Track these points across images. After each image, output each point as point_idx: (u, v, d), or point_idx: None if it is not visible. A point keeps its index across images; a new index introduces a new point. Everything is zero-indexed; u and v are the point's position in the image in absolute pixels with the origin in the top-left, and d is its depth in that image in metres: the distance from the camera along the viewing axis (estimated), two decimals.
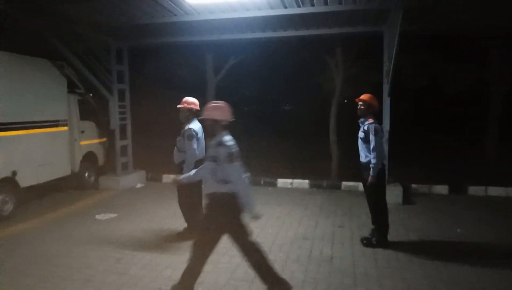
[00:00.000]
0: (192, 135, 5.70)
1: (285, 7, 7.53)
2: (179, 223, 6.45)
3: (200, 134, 5.88)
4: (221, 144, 3.80)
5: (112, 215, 7.51)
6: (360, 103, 5.67)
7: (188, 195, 5.87)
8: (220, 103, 4.03)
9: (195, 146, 5.70)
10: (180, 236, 6.07)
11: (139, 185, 10.17)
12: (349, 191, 9.48)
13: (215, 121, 3.90)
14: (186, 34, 9.60)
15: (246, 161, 4.30)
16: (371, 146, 5.42)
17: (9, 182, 7.32)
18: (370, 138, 5.43)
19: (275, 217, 7.32)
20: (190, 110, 5.90)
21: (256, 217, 3.88)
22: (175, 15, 8.02)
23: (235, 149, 3.81)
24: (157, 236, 6.33)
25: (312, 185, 9.84)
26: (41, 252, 5.56)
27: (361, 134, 5.62)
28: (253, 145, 14.35)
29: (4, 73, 7.24)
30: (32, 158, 7.83)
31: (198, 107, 5.93)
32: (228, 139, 3.86)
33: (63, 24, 8.16)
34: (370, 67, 11.08)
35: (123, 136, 10.15)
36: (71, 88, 9.33)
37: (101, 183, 9.65)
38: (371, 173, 5.43)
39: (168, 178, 10.66)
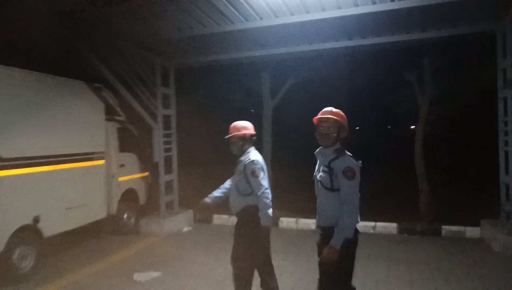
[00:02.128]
0: (258, 169, 4.06)
1: (374, 2, 5.79)
2: None
3: (265, 166, 4.22)
4: (250, 160, 4.05)
5: (155, 274, 5.84)
6: (322, 122, 3.48)
7: (251, 253, 4.11)
8: (242, 121, 4.28)
9: (265, 183, 4.06)
10: None
11: (186, 229, 8.52)
12: (453, 238, 7.33)
13: (244, 138, 4.18)
14: (241, 49, 8.09)
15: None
16: (341, 195, 3.28)
17: (30, 231, 5.87)
18: (341, 182, 3.29)
19: (376, 280, 5.33)
20: (244, 138, 4.25)
21: (267, 229, 3.98)
22: (232, 22, 6.55)
23: (262, 164, 4.09)
24: None
25: (402, 230, 7.74)
26: None
27: (321, 174, 3.46)
28: None
29: (29, 96, 5.93)
30: (60, 199, 6.38)
31: (253, 131, 4.32)
32: (256, 154, 4.17)
33: (102, 37, 6.87)
34: (462, 80, 9.06)
35: (168, 169, 8.62)
36: (110, 114, 7.98)
37: (142, 227, 8.07)
38: (332, 241, 3.23)
39: (220, 218, 8.96)
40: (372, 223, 7.92)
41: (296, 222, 8.45)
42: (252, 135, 4.29)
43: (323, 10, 6.08)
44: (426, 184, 8.74)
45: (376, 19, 6.31)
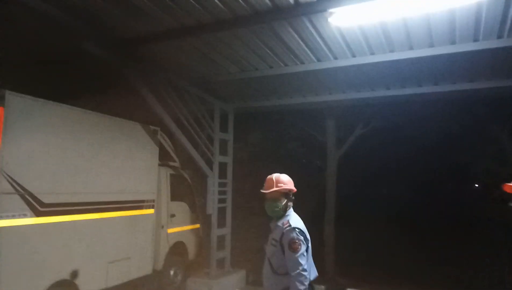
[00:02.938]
0: (298, 241, 3.10)
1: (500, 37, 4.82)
2: None
3: (308, 235, 3.25)
4: (289, 227, 3.14)
5: None
6: None
7: None
8: (284, 174, 3.42)
9: (304, 261, 3.08)
10: None
11: None
12: None
13: (288, 196, 3.32)
14: (308, 93, 7.37)
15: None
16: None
17: (66, 287, 5.18)
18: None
19: None
20: (287, 194, 3.34)
21: None
22: (302, 63, 5.89)
23: (305, 234, 3.18)
24: None
25: None
26: None
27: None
28: (396, 241, 10.95)
29: (79, 136, 5.49)
30: (102, 252, 5.72)
31: (294, 188, 3.42)
32: (297, 219, 3.28)
33: (159, 73, 6.45)
34: None
35: (221, 223, 7.79)
36: (164, 159, 7.43)
37: (188, 288, 7.15)
38: None
39: None
40: None
41: None
42: (293, 193, 3.39)
43: (411, 48, 5.24)
44: None
45: (482, 59, 5.35)
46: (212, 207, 7.46)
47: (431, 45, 5.11)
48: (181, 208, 7.67)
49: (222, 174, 7.97)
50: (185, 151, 7.31)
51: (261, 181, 3.50)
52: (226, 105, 8.09)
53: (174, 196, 7.46)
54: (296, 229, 3.14)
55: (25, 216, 4.64)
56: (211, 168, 7.59)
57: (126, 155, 6.31)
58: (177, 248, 7.45)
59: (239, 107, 8.23)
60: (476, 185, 20.20)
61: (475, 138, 9.98)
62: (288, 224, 3.17)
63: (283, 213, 3.29)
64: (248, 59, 5.86)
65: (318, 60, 5.77)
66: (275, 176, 3.40)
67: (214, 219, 7.50)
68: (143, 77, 6.37)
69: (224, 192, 7.93)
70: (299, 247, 3.06)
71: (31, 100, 4.89)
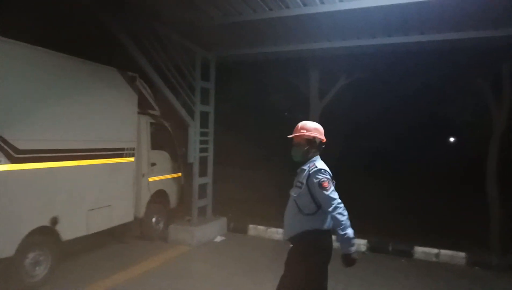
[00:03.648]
0: (327, 179, 3.20)
1: None
2: None
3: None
4: (315, 168, 3.22)
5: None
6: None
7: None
8: (314, 122, 3.49)
9: (336, 195, 3.18)
10: None
11: (218, 239, 7.67)
12: None
13: (313, 142, 3.35)
14: (292, 41, 7.16)
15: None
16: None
17: (46, 234, 5.17)
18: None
19: None
20: (313, 141, 3.37)
21: (352, 259, 3.07)
22: (288, 7, 5.66)
23: (330, 175, 3.26)
24: None
25: (471, 262, 6.53)
26: None
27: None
28: (372, 194, 11.24)
29: (54, 80, 5.25)
30: (82, 199, 5.67)
31: (324, 138, 3.44)
32: (323, 164, 3.32)
33: (138, 19, 6.14)
34: None
35: (202, 172, 7.81)
36: (143, 107, 7.25)
37: (170, 235, 7.26)
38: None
39: (255, 229, 8.07)
40: (435, 250, 6.75)
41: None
42: (322, 142, 3.42)
43: None
44: (500, 210, 7.45)
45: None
46: (193, 156, 7.43)
47: None
48: (162, 157, 7.62)
49: (204, 124, 7.87)
50: (166, 99, 7.14)
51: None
52: (208, 53, 7.83)
53: (155, 145, 7.37)
54: (322, 170, 3.23)
55: None
56: (193, 118, 7.47)
57: (103, 101, 6.12)
58: (159, 196, 7.48)
59: (221, 55, 7.98)
60: (453, 139, 20.74)
61: (458, 91, 10.00)
62: (314, 166, 3.26)
63: (307, 159, 3.35)
64: (231, 2, 5.59)
65: (304, 4, 5.56)
66: (302, 122, 3.48)
67: (195, 168, 7.51)
68: (122, 23, 6.05)
69: (206, 142, 7.88)
70: (328, 184, 3.16)
71: (5, 43, 4.58)
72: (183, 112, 7.30)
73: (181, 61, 7.17)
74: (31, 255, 4.94)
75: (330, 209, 3.11)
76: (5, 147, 4.57)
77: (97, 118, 5.96)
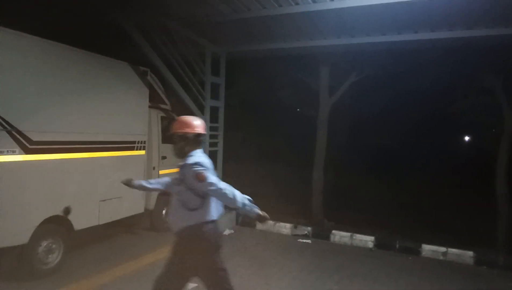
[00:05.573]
0: (201, 170, 3.15)
1: None
2: None
3: (212, 167, 3.34)
4: (189, 165, 3.18)
5: (188, 287, 5.09)
6: None
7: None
8: (188, 116, 3.49)
9: (214, 179, 3.17)
10: None
11: (227, 232, 7.79)
12: None
13: (185, 139, 3.32)
14: (302, 37, 7.20)
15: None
16: None
17: (59, 223, 5.34)
18: None
19: None
20: (185, 137, 3.35)
21: (263, 217, 3.17)
22: (297, 4, 5.69)
23: (210, 167, 3.26)
24: None
25: (478, 261, 6.50)
26: None
27: None
28: (382, 191, 11.20)
29: (69, 74, 5.40)
30: (93, 190, 5.84)
31: (197, 130, 3.40)
32: (202, 156, 3.30)
33: (148, 15, 6.25)
34: None
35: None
36: (154, 102, 7.38)
37: None
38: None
39: (264, 224, 8.12)
40: (442, 249, 6.74)
41: (351, 237, 7.40)
42: (196, 135, 3.38)
43: None
44: (508, 208, 7.40)
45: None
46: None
47: None
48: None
49: (214, 118, 7.98)
50: (176, 94, 7.26)
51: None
52: (218, 49, 7.92)
53: (165, 139, 7.50)
54: (195, 163, 3.18)
55: (13, 153, 4.66)
56: (203, 112, 7.58)
57: (115, 95, 6.26)
58: None
59: (231, 51, 8.07)
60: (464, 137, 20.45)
61: (469, 89, 9.91)
62: (188, 162, 3.23)
63: (183, 155, 3.33)
64: None
65: (314, 1, 5.59)
66: (177, 119, 3.50)
67: None
68: (133, 18, 6.17)
69: (215, 136, 7.99)
70: (205, 174, 3.12)
71: (21, 36, 4.74)
72: (193, 106, 7.41)
73: (192, 57, 7.28)
74: (44, 243, 5.10)
75: (215, 195, 3.16)
76: (20, 138, 4.73)
77: (110, 111, 6.11)
